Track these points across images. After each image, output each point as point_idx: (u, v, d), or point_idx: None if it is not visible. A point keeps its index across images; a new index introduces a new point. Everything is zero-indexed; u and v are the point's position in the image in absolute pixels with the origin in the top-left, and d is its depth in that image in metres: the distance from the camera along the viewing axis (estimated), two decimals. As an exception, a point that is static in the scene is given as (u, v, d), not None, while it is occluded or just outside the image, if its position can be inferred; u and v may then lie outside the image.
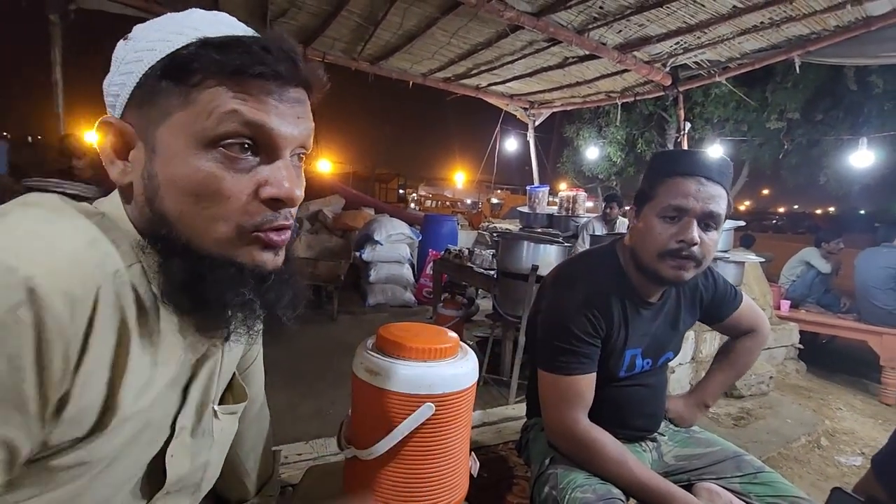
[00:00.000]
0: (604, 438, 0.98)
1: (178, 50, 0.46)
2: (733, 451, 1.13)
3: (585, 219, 4.30)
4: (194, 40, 0.46)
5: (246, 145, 0.47)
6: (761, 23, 3.27)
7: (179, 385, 0.53)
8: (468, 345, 0.87)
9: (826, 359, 4.19)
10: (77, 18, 3.22)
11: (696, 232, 0.92)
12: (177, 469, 0.54)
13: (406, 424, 0.74)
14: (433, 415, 0.75)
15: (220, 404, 0.62)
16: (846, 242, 4.62)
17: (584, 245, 3.81)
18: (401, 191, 23.71)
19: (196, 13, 0.50)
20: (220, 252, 0.48)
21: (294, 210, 0.52)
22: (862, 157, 5.20)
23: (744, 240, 6.44)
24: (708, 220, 0.94)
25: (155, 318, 0.49)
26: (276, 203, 0.49)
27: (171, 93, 0.46)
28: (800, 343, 4.00)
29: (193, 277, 0.47)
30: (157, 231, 0.48)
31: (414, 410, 0.74)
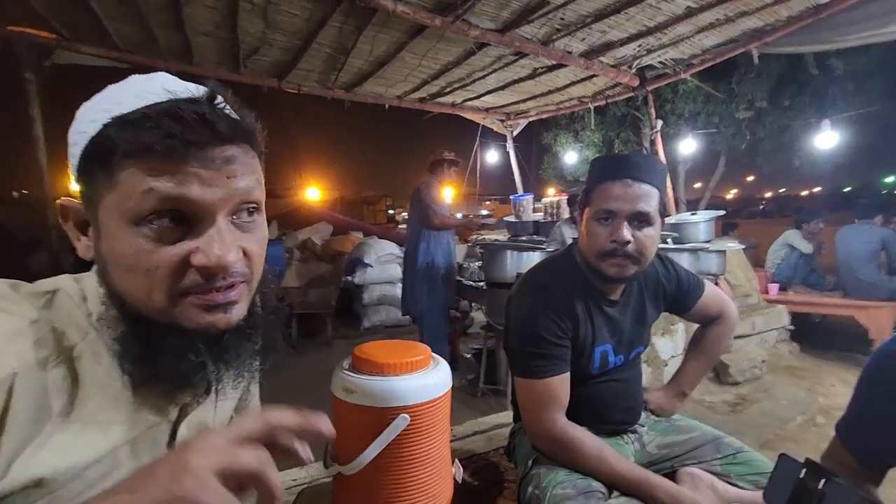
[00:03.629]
0: (581, 436, 1.02)
1: (98, 132, 0.47)
2: (713, 434, 1.17)
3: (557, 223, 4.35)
4: (111, 119, 0.47)
5: (176, 216, 0.48)
6: (717, 19, 3.40)
7: (159, 445, 0.54)
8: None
9: (819, 338, 4.25)
10: (52, 74, 3.29)
11: (625, 231, 0.99)
12: None
13: (383, 437, 0.78)
14: (409, 425, 0.79)
15: None
16: (829, 221, 4.73)
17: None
18: (390, 211, 23.82)
19: (129, 82, 0.51)
20: (166, 319, 0.49)
21: (237, 271, 0.51)
22: (826, 139, 5.36)
23: (725, 227, 6.54)
24: (638, 219, 1.01)
25: (111, 384, 0.50)
26: (206, 270, 0.48)
27: (99, 175, 0.48)
28: (792, 324, 4.06)
29: (143, 348, 0.49)
30: (114, 302, 0.51)
31: (390, 423, 0.78)
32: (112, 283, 0.50)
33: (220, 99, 0.50)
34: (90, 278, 0.54)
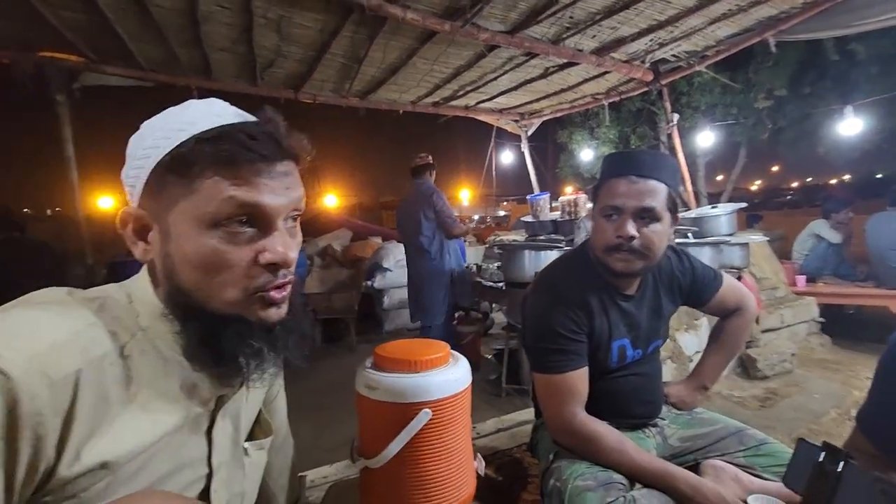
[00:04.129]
0: (601, 429, 1.03)
1: (177, 147, 0.54)
2: (736, 426, 1.17)
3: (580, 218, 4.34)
4: (191, 136, 0.54)
5: (243, 220, 0.55)
6: (729, 10, 3.35)
7: (200, 431, 0.61)
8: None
9: (852, 329, 4.12)
10: (82, 96, 3.44)
11: (630, 227, 1.01)
12: (218, 502, 0.62)
13: (407, 431, 0.81)
14: (431, 419, 0.81)
15: (250, 440, 0.71)
16: (861, 209, 4.57)
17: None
18: (408, 215, 23.92)
19: (192, 106, 0.58)
20: (231, 312, 0.57)
21: (292, 268, 0.60)
22: (850, 125, 5.18)
23: (750, 220, 6.39)
24: (643, 215, 1.02)
25: (158, 378, 0.56)
26: (274, 267, 0.57)
27: (176, 184, 0.54)
28: (822, 317, 3.95)
29: (209, 335, 0.56)
30: (176, 299, 0.57)
31: (413, 417, 0.81)
32: (178, 280, 0.56)
33: (279, 122, 0.58)
34: (135, 284, 0.60)
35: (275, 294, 0.58)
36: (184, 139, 0.54)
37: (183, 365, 0.58)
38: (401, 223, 3.77)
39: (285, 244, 0.58)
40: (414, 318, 3.72)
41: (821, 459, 0.64)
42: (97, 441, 0.49)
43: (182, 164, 0.53)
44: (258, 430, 0.75)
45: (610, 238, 1.04)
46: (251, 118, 0.58)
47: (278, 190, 0.56)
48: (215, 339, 0.56)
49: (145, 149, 0.56)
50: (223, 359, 0.57)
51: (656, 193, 1.02)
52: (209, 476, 0.61)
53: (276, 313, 0.60)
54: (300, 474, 0.93)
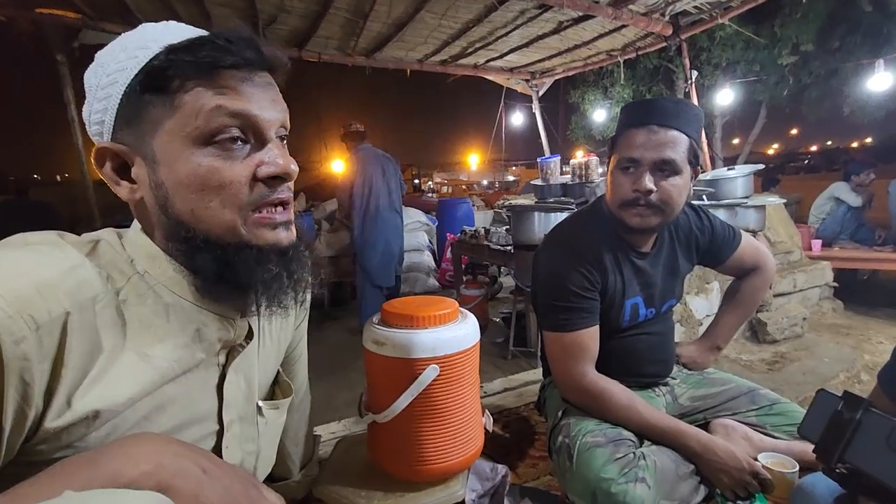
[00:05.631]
0: (611, 387, 1.02)
1: (149, 62, 0.49)
2: (747, 386, 1.15)
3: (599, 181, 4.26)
4: (160, 49, 0.50)
5: (235, 135, 0.52)
6: (758, -46, 3.14)
7: (210, 386, 0.58)
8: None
9: (866, 295, 4.06)
10: (82, 55, 3.36)
11: (647, 181, 0.96)
12: (230, 460, 0.60)
13: (414, 387, 0.80)
14: (439, 375, 0.81)
15: (268, 399, 0.69)
16: (883, 173, 4.42)
17: None
18: (415, 180, 23.76)
19: (148, 27, 0.54)
20: (236, 239, 0.53)
21: (291, 184, 0.57)
22: (880, 80, 4.91)
23: (766, 183, 6.23)
24: (662, 167, 0.96)
25: (157, 323, 0.52)
26: (275, 180, 0.54)
27: (155, 103, 0.50)
28: (835, 281, 3.89)
29: (223, 265, 0.53)
30: (178, 234, 0.53)
31: (420, 373, 0.80)
32: (175, 211, 0.52)
33: (251, 33, 0.54)
34: (131, 230, 0.57)
35: (277, 216, 0.55)
36: (154, 53, 0.50)
37: (185, 309, 0.55)
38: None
39: (284, 155, 0.55)
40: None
41: (839, 408, 0.63)
42: (90, 388, 0.46)
43: (158, 79, 0.49)
44: (277, 390, 0.73)
45: (626, 192, 0.99)
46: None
47: (264, 102, 0.53)
48: (229, 270, 0.53)
49: (109, 74, 0.51)
50: (241, 289, 0.55)
51: (677, 144, 0.96)
52: (220, 433, 0.59)
53: (287, 236, 0.57)
54: (315, 433, 0.93)
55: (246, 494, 0.41)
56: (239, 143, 0.52)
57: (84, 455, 0.40)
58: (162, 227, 0.54)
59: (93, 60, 0.55)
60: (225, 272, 0.53)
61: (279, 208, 0.56)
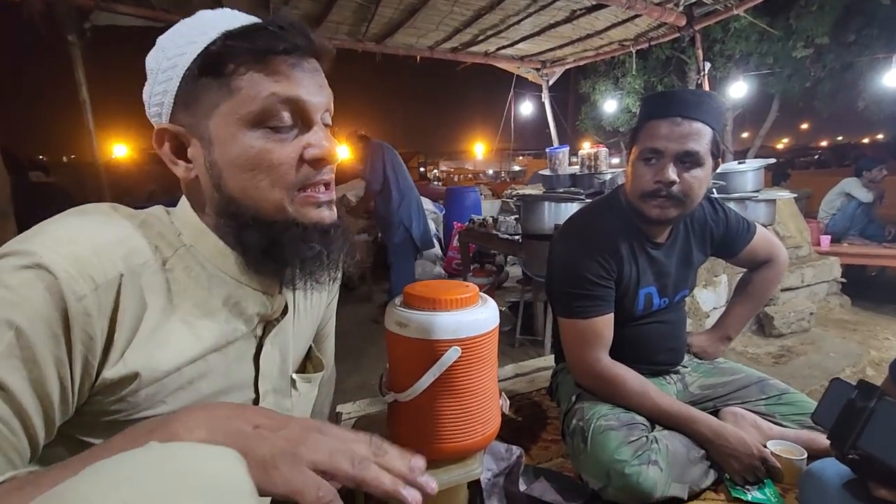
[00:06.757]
0: (625, 373, 1.04)
1: (207, 47, 0.52)
2: (757, 376, 1.17)
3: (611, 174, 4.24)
4: (218, 35, 0.52)
5: (286, 120, 0.54)
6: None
7: (247, 357, 0.60)
8: (501, 310, 0.94)
9: (874, 291, 4.06)
10: (93, 36, 3.36)
11: (670, 172, 0.96)
12: None
13: (436, 367, 0.82)
14: (460, 357, 0.82)
15: (300, 373, 0.72)
16: (894, 169, 4.38)
17: None
18: (421, 168, 23.70)
19: (206, 14, 0.56)
20: (283, 217, 0.56)
21: (333, 166, 0.60)
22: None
23: (776, 178, 6.19)
24: (685, 159, 0.97)
25: (201, 294, 0.55)
26: (319, 162, 0.56)
27: (212, 87, 0.52)
28: (843, 277, 3.88)
29: (269, 242, 0.56)
30: (228, 210, 0.56)
31: (442, 354, 0.82)
32: (227, 189, 0.55)
33: (300, 21, 0.56)
34: (177, 208, 0.59)
35: (322, 195, 0.58)
36: (212, 38, 0.52)
37: (227, 282, 0.58)
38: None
39: (328, 138, 0.57)
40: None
41: (853, 396, 0.64)
42: (141, 347, 0.49)
43: (215, 64, 0.52)
44: (309, 364, 0.76)
45: (648, 183, 1.00)
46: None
47: (313, 88, 0.56)
48: (275, 246, 0.55)
49: (170, 58, 0.53)
50: (282, 265, 0.58)
51: (700, 136, 0.96)
52: (255, 402, 0.62)
53: (329, 215, 0.59)
54: (338, 410, 0.96)
55: (304, 441, 0.40)
56: (288, 126, 0.55)
57: (141, 425, 0.42)
58: (214, 205, 0.57)
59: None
60: (270, 248, 0.56)
61: (322, 188, 0.58)
